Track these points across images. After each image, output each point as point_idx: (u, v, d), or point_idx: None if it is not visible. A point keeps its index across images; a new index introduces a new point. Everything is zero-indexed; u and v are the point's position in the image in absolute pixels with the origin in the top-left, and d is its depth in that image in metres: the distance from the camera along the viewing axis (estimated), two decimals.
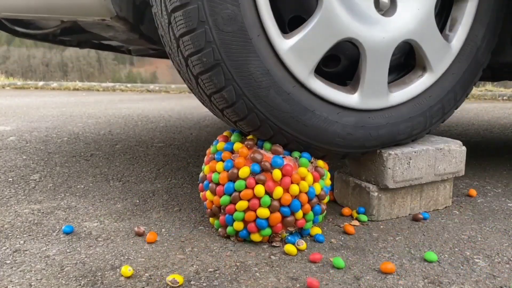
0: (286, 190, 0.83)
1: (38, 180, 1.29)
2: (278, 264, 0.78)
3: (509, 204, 1.12)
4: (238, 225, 0.85)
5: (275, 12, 0.83)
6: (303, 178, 0.85)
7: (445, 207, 1.08)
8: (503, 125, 2.50)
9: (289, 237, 0.87)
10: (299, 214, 0.85)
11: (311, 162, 0.89)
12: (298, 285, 0.71)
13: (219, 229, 0.89)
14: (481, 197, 1.17)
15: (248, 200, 0.83)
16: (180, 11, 0.77)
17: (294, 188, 0.83)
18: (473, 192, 1.15)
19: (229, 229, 0.86)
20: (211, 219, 0.92)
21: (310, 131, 0.88)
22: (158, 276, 0.73)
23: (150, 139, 1.97)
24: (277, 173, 0.83)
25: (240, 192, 0.83)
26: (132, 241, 0.87)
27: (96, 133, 2.13)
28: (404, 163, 0.96)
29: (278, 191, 0.82)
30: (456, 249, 0.86)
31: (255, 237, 0.85)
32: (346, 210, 1.02)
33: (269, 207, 0.83)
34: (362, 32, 0.88)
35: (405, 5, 0.93)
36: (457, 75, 1.02)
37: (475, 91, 4.40)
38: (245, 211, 0.84)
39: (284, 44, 0.83)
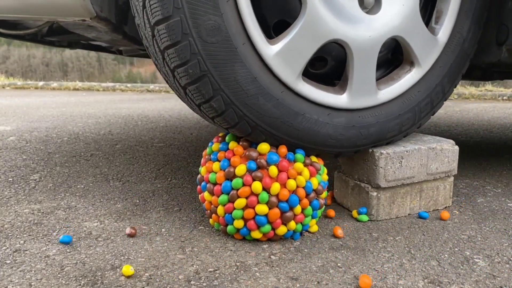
0: (283, 185, 0.84)
1: (38, 180, 1.29)
2: (278, 264, 0.78)
3: (509, 204, 1.12)
4: (238, 223, 0.85)
5: (259, 18, 0.82)
6: (300, 173, 0.86)
7: (445, 207, 1.08)
8: (503, 125, 2.50)
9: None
10: (298, 209, 0.85)
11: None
12: (298, 285, 0.71)
13: (220, 228, 0.90)
14: (481, 197, 1.17)
15: (246, 198, 0.83)
16: (163, 25, 0.76)
17: (291, 183, 0.84)
18: (445, 214, 1.02)
19: (229, 228, 0.87)
20: (211, 220, 0.92)
21: (302, 135, 0.88)
22: (158, 276, 0.73)
23: (150, 139, 1.97)
24: (273, 169, 0.84)
25: (237, 190, 0.84)
26: (132, 241, 0.87)
27: (96, 133, 2.13)
28: (396, 162, 0.97)
29: (275, 187, 0.83)
30: (456, 249, 0.86)
31: (256, 234, 0.85)
32: (331, 213, 1.01)
33: (267, 203, 0.83)
34: (347, 32, 0.88)
35: (389, 2, 0.92)
36: (444, 68, 1.01)
37: (475, 91, 4.39)
38: (243, 208, 0.84)
39: (270, 50, 0.83)
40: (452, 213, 1.05)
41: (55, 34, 1.43)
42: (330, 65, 0.95)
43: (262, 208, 0.83)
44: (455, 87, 1.07)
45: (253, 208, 0.84)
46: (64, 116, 2.75)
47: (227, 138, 0.91)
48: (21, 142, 1.85)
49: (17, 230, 0.92)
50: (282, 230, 0.86)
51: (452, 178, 1.07)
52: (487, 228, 0.96)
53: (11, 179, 1.29)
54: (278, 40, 0.84)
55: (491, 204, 1.12)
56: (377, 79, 0.97)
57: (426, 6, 1.02)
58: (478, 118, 2.78)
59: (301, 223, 0.88)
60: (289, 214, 0.84)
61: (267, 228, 0.84)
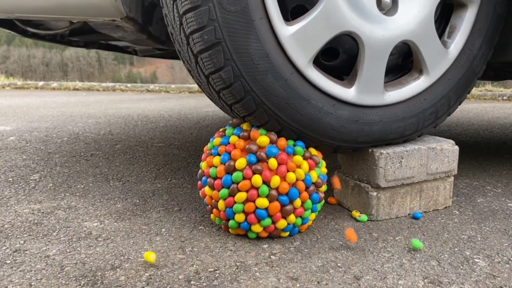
0: (283, 178, 0.84)
1: (38, 180, 1.29)
2: (278, 264, 0.78)
3: (509, 204, 1.12)
4: (239, 217, 0.85)
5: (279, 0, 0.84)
6: (299, 166, 0.86)
7: (445, 207, 1.08)
8: (503, 125, 2.50)
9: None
10: (297, 202, 0.85)
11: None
12: (298, 285, 0.71)
13: (222, 223, 0.90)
14: (481, 197, 1.17)
15: (247, 191, 0.84)
16: None
17: (291, 176, 0.84)
18: (332, 199, 1.08)
19: (230, 222, 0.87)
20: (212, 215, 0.92)
21: (305, 120, 0.88)
22: (158, 276, 0.73)
23: (150, 139, 1.97)
24: (272, 162, 0.84)
25: (238, 183, 0.84)
26: (132, 241, 0.87)
27: (96, 133, 2.13)
28: (396, 162, 0.97)
29: (275, 180, 0.83)
30: (456, 249, 0.86)
31: (256, 228, 0.85)
32: (332, 200, 1.02)
33: (267, 196, 0.83)
34: (362, 27, 0.89)
35: (406, 7, 0.94)
36: (452, 81, 1.03)
37: (475, 91, 4.40)
38: (244, 202, 0.84)
39: (286, 30, 0.84)
40: (452, 213, 1.05)
41: (76, 35, 1.46)
42: (341, 58, 0.96)
43: (262, 202, 0.83)
44: (460, 103, 1.09)
45: (254, 201, 0.84)
46: (64, 116, 2.75)
47: (227, 132, 0.91)
48: (21, 142, 1.85)
49: (17, 230, 0.92)
50: (282, 223, 0.86)
51: (452, 178, 1.07)
52: (487, 228, 0.96)
53: (11, 179, 1.29)
54: (295, 22, 0.85)
55: (491, 204, 1.12)
56: (386, 82, 0.98)
57: (441, 19, 1.04)
58: (478, 118, 2.78)
59: (300, 216, 0.88)
60: (289, 207, 0.84)
61: (267, 221, 0.84)
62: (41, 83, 5.82)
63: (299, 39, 0.85)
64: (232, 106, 0.87)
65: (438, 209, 1.06)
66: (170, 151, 1.71)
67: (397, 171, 0.97)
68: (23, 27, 1.38)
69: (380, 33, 0.91)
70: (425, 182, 1.03)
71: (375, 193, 0.98)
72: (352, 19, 0.87)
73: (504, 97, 4.15)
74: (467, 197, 1.17)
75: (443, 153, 1.03)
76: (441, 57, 0.99)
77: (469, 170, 1.44)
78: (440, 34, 1.03)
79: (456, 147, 1.05)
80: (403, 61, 1.03)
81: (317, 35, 0.86)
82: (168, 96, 4.64)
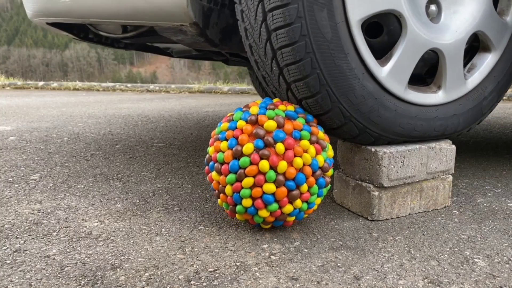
0: (290, 163, 0.84)
1: (38, 180, 1.30)
2: (278, 264, 0.79)
3: (509, 204, 1.12)
4: (246, 202, 0.85)
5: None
6: (306, 151, 0.86)
7: (445, 207, 1.08)
8: (503, 125, 2.50)
9: None
10: (304, 187, 0.85)
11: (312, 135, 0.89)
12: (298, 285, 0.71)
13: (229, 208, 0.90)
14: (481, 197, 1.17)
15: (254, 176, 0.84)
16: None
17: (298, 161, 0.84)
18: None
19: (238, 207, 0.87)
20: (219, 200, 0.92)
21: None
22: (158, 276, 0.73)
23: (150, 139, 1.97)
24: (280, 147, 0.84)
25: (245, 168, 0.84)
26: (132, 241, 0.87)
27: (96, 133, 2.13)
28: (399, 161, 0.97)
29: (282, 165, 0.83)
30: (456, 249, 0.86)
31: (263, 213, 0.86)
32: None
33: (274, 182, 0.84)
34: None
35: (450, 19, 1.03)
36: (462, 108, 1.08)
37: None
38: (251, 187, 0.84)
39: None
40: (452, 213, 1.05)
41: (133, 38, 1.50)
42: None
43: (269, 187, 0.83)
44: (466, 131, 1.15)
45: (261, 187, 0.84)
46: (64, 116, 2.76)
47: (235, 116, 0.91)
48: (21, 142, 1.85)
49: (17, 230, 0.92)
50: (288, 208, 0.86)
51: (451, 178, 1.07)
52: (487, 228, 0.96)
53: (11, 179, 1.30)
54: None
55: (491, 204, 1.12)
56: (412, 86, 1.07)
57: (466, 54, 1.10)
58: None
59: (306, 201, 0.88)
60: (295, 192, 0.85)
61: (274, 206, 0.85)
62: (41, 83, 5.82)
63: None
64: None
65: (437, 209, 1.06)
66: (170, 151, 1.71)
67: (400, 170, 0.97)
68: (96, 31, 1.46)
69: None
70: (425, 181, 1.03)
71: (377, 193, 0.98)
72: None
73: (504, 97, 4.15)
74: (467, 197, 1.17)
75: (442, 152, 1.03)
76: (459, 82, 1.05)
77: (469, 170, 1.44)
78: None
79: (453, 146, 1.06)
80: (426, 73, 1.09)
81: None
82: (168, 96, 4.64)
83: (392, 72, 0.95)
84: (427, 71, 1.08)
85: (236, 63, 2.15)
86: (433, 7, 1.00)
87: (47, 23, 1.37)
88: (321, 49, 0.86)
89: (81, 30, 1.52)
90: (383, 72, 0.94)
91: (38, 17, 1.30)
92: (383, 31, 0.97)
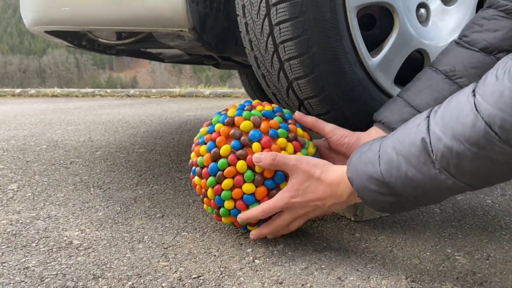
0: None
1: (16, 189, 1.27)
2: (262, 268, 0.78)
3: (487, 201, 1.14)
4: (228, 204, 0.85)
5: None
6: (284, 148, 0.86)
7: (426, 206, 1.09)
8: None
9: None
10: (284, 185, 0.85)
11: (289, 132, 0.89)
12: None
13: (214, 212, 0.90)
14: (461, 194, 1.19)
15: (233, 178, 0.84)
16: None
17: None
18: None
19: (221, 210, 0.87)
20: (204, 205, 0.92)
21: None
22: (141, 284, 0.72)
23: (131, 144, 1.95)
24: (256, 146, 0.84)
25: (223, 170, 0.84)
26: (114, 249, 0.86)
27: (75, 140, 2.09)
28: None
29: None
30: (438, 247, 0.87)
31: None
32: (306, 135, 1.03)
33: (253, 181, 0.83)
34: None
35: (437, 26, 1.07)
36: None
37: None
38: (232, 189, 0.84)
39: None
40: (433, 212, 1.06)
41: (128, 44, 1.53)
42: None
43: (248, 187, 0.83)
44: None
45: (240, 187, 0.84)
46: (43, 123, 2.71)
47: (213, 119, 0.91)
48: None
49: None
50: None
51: None
52: (467, 225, 0.98)
53: None
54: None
55: (470, 201, 1.14)
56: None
57: None
58: None
59: None
60: (275, 191, 0.84)
61: (256, 206, 0.84)
62: (18, 90, 5.72)
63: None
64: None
65: (419, 208, 1.08)
66: (152, 156, 1.70)
67: None
68: (95, 38, 1.46)
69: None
70: None
71: None
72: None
73: None
74: None
75: None
76: None
77: None
78: None
79: None
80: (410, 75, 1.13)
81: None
82: (149, 100, 4.60)
83: (381, 65, 0.96)
84: (411, 72, 1.09)
85: (227, 67, 2.19)
86: (422, 11, 1.05)
87: (45, 31, 1.38)
88: (319, 27, 0.88)
89: (75, 38, 1.55)
90: (373, 63, 0.96)
91: (37, 26, 1.29)
92: (376, 24, 0.99)
